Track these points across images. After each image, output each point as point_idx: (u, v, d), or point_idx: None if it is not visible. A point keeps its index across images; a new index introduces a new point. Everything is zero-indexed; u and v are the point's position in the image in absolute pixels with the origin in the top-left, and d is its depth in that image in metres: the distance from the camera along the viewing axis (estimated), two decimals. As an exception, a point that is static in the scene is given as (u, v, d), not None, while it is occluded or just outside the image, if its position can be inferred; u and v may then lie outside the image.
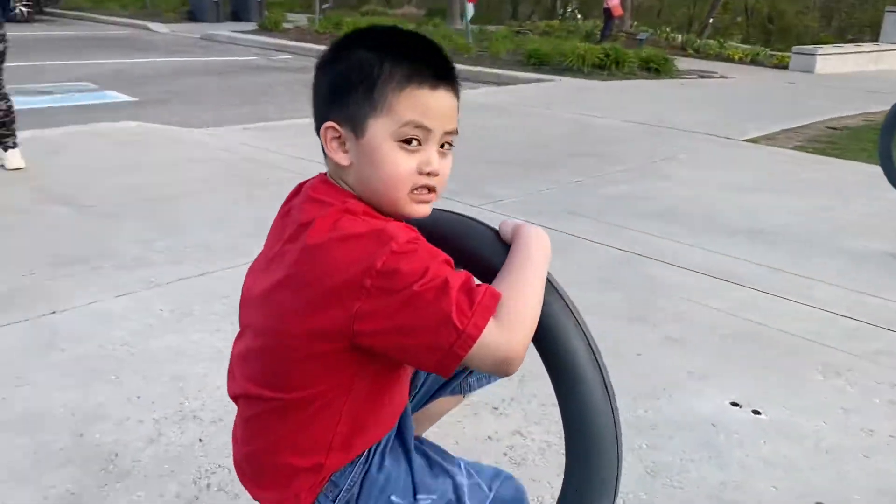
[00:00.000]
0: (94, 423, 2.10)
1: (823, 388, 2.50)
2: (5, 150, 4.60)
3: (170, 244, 3.49)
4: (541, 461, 2.04)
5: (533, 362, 1.10)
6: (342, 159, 1.07)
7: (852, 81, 13.01)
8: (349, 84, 1.05)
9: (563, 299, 1.06)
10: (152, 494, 1.83)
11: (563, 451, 1.11)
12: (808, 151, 6.74)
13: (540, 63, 12.36)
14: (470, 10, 14.48)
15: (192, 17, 19.04)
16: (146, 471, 1.91)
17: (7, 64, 4.61)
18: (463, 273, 1.00)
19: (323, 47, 2.14)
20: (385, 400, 1.15)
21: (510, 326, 0.98)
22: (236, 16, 19.34)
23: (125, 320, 2.71)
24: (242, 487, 1.22)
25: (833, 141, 7.34)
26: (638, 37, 17.52)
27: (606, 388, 1.04)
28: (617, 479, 1.07)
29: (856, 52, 16.02)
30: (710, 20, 24.77)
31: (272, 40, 14.73)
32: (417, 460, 1.20)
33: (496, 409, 2.27)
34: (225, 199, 4.23)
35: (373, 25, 1.12)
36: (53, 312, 2.74)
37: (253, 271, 1.17)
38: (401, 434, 1.23)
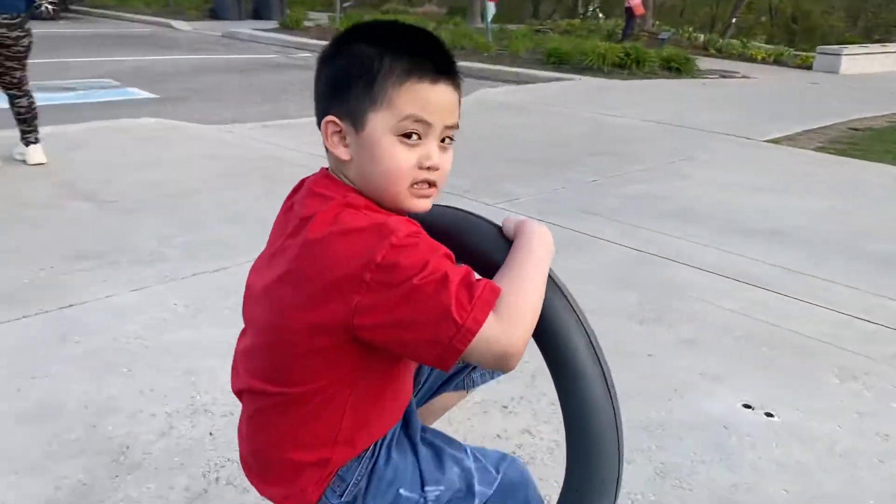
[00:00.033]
0: (107, 416, 2.12)
1: (839, 392, 2.47)
2: (27, 145, 4.66)
3: (187, 240, 3.52)
4: (549, 460, 2.03)
5: (543, 361, 1.10)
6: (343, 154, 1.07)
7: (878, 82, 12.83)
8: (349, 78, 1.05)
9: (565, 296, 1.05)
10: (162, 487, 1.84)
11: None
12: (829, 152, 6.65)
13: (560, 62, 12.31)
14: (491, 9, 14.46)
15: (214, 14, 19.19)
16: (157, 463, 1.93)
17: (32, 61, 4.67)
18: (463, 267, 1.00)
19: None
20: (388, 394, 1.16)
21: (510, 321, 0.97)
22: (258, 14, 19.46)
23: (140, 314, 2.74)
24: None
25: (855, 142, 7.25)
26: (660, 36, 17.40)
27: (608, 385, 1.03)
28: (618, 479, 1.06)
29: (882, 53, 15.79)
30: (734, 20, 24.53)
31: (293, 38, 14.80)
32: (424, 452, 1.21)
33: (505, 407, 2.27)
34: (244, 195, 4.25)
35: (374, 20, 1.12)
36: (70, 306, 2.78)
37: (256, 267, 1.18)
38: (407, 427, 1.23)
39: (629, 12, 16.98)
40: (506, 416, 2.24)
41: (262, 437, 1.15)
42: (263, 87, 9.16)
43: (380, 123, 1.04)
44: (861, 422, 2.29)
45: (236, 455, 1.31)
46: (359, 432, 1.13)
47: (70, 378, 2.30)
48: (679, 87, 11.09)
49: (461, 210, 1.19)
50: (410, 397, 1.26)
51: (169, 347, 2.52)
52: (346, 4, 20.09)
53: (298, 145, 5.57)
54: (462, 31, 15.14)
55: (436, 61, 1.05)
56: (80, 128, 5.76)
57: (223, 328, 2.63)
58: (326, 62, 1.09)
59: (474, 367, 1.44)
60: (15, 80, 4.53)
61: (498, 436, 2.14)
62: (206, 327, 2.66)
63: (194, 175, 4.70)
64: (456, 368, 1.40)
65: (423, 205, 1.09)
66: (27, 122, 4.64)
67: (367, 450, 1.15)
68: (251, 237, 3.51)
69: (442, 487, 1.18)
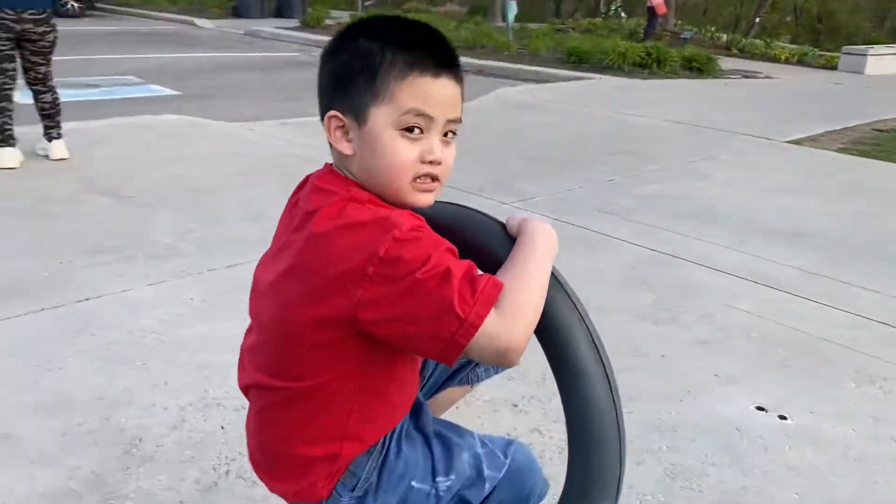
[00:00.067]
0: (121, 408, 2.14)
1: (855, 396, 2.44)
2: (50, 140, 4.71)
3: (205, 235, 3.55)
4: (559, 460, 2.02)
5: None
6: (345, 148, 1.08)
7: (904, 83, 12.66)
8: (352, 73, 1.05)
9: (568, 293, 1.05)
10: (173, 479, 1.86)
11: None
12: (852, 154, 6.57)
13: (580, 61, 12.26)
14: (513, 8, 14.42)
15: (237, 13, 19.32)
16: (168, 456, 1.95)
17: (57, 57, 4.73)
18: (466, 262, 1.00)
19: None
20: (395, 387, 1.16)
21: (512, 317, 0.97)
22: (280, 12, 19.57)
23: (156, 308, 2.77)
24: (260, 476, 1.23)
25: (879, 143, 7.15)
26: (682, 35, 17.28)
27: (610, 384, 1.03)
28: (619, 480, 1.06)
29: (909, 53, 15.58)
30: (757, 19, 24.27)
31: (315, 37, 14.86)
32: (434, 442, 1.21)
33: (516, 406, 2.27)
34: (263, 192, 4.27)
35: (376, 15, 1.13)
36: (87, 299, 2.81)
37: (262, 262, 1.19)
38: (416, 419, 1.24)
39: (651, 11, 16.88)
40: (516, 414, 2.23)
41: (269, 433, 1.16)
42: (285, 85, 9.21)
43: (382, 118, 1.04)
44: (876, 426, 2.27)
45: (246, 449, 1.32)
46: (367, 426, 1.13)
47: (85, 370, 2.33)
48: (700, 87, 11.00)
49: (464, 206, 1.19)
50: (417, 390, 1.27)
51: (184, 342, 2.55)
52: (367, 3, 20.17)
53: (319, 143, 5.58)
54: (482, 30, 15.13)
55: (437, 55, 1.06)
56: (102, 124, 5.82)
57: (238, 323, 2.62)
58: (329, 57, 1.10)
59: (478, 362, 1.44)
60: (40, 76, 4.60)
61: (508, 434, 2.13)
62: (221, 322, 2.68)
63: (214, 172, 4.74)
64: (460, 363, 1.40)
65: (425, 199, 1.09)
66: (51, 117, 4.70)
67: (377, 444, 1.15)
68: (268, 234, 3.49)
69: (453, 477, 1.19)
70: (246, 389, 1.22)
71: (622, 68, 11.75)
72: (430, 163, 1.06)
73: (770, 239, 3.97)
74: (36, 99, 4.67)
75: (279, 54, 12.52)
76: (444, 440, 1.22)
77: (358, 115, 1.05)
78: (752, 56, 16.38)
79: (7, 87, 4.44)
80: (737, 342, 2.77)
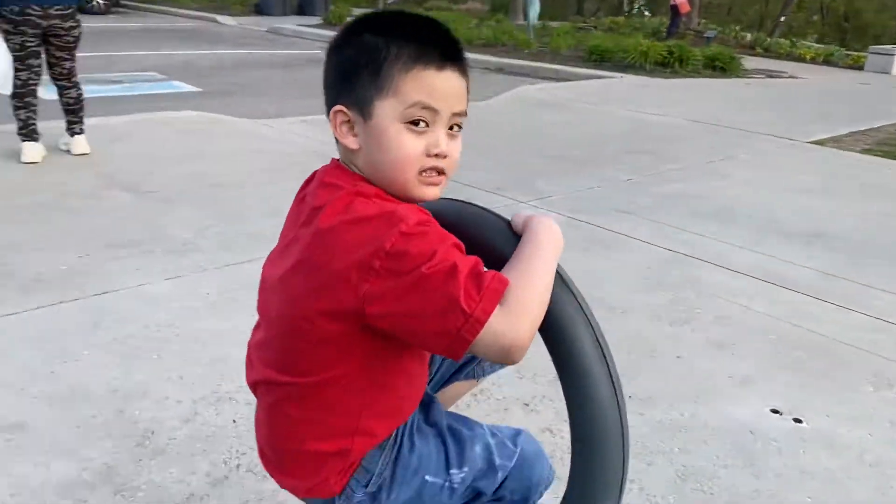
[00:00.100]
0: (135, 401, 2.16)
1: (872, 400, 2.41)
2: (72, 135, 4.77)
3: (223, 231, 3.57)
4: (569, 459, 2.01)
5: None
6: (351, 143, 1.08)
7: (931, 83, 12.46)
8: (357, 67, 1.05)
9: (572, 292, 1.04)
10: (184, 472, 1.88)
11: None
12: (876, 155, 6.48)
13: (601, 59, 12.21)
14: (535, 6, 14.36)
15: (259, 10, 19.43)
16: (180, 448, 1.96)
17: (81, 54, 4.79)
18: (472, 258, 0.99)
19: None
20: (403, 381, 1.16)
21: (516, 314, 0.97)
22: (302, 10, 19.66)
23: (172, 303, 2.79)
24: (270, 471, 1.24)
25: (905, 145, 7.05)
26: (705, 34, 17.13)
27: (614, 384, 1.02)
28: (622, 480, 1.05)
29: (937, 53, 15.32)
30: (783, 18, 24.02)
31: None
32: (446, 436, 1.21)
33: (527, 405, 2.26)
34: (282, 189, 4.26)
35: (381, 10, 1.13)
36: (105, 293, 2.84)
37: (271, 259, 1.19)
38: (427, 413, 1.24)
39: (674, 10, 16.77)
40: (527, 413, 2.23)
41: (279, 429, 1.16)
42: (306, 83, 9.24)
43: (387, 111, 1.04)
44: (893, 431, 2.24)
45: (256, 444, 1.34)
46: (377, 421, 1.13)
47: (101, 363, 2.35)
48: (722, 86, 10.90)
49: (470, 203, 1.19)
50: (426, 384, 1.27)
51: (198, 336, 2.56)
52: (389, 1, 20.18)
53: (337, 140, 5.60)
54: (503, 28, 15.09)
55: (442, 48, 1.05)
56: (123, 120, 5.88)
57: (253, 318, 2.65)
58: (334, 52, 1.10)
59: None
60: (65, 71, 4.65)
61: (518, 433, 2.13)
62: (236, 317, 2.70)
63: (234, 168, 4.77)
64: (467, 358, 1.40)
65: (431, 192, 1.09)
66: (75, 112, 4.75)
67: (389, 439, 1.16)
68: (284, 230, 3.54)
69: (466, 469, 1.19)
70: (254, 386, 1.22)
71: (644, 67, 11.68)
72: (436, 156, 1.06)
73: (789, 240, 3.93)
74: (60, 94, 4.72)
75: (301, 52, 12.57)
76: (456, 433, 1.22)
77: (363, 109, 1.05)
78: (777, 55, 16.22)
79: (32, 82, 4.50)
80: (753, 344, 2.74)
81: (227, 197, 4.14)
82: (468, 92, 1.10)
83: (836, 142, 6.94)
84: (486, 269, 1.01)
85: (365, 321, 1.00)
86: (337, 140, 1.11)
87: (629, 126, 7.09)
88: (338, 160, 1.14)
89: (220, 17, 17.59)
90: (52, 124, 4.89)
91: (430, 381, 1.43)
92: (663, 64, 11.89)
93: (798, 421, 2.25)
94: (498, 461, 1.22)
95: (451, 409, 1.55)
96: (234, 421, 2.09)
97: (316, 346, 1.06)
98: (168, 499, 1.79)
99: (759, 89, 10.77)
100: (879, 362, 2.64)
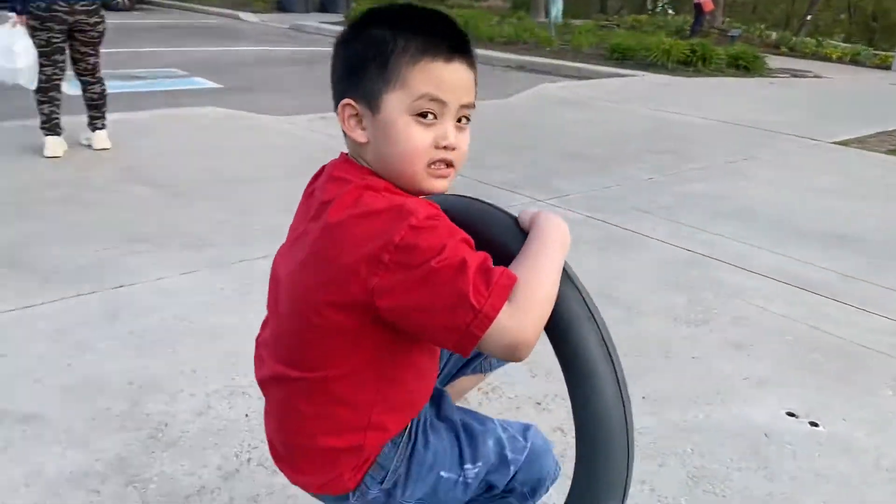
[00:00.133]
0: (149, 393, 2.18)
1: (891, 404, 2.37)
2: (94, 130, 4.82)
3: (239, 226, 3.59)
4: (580, 459, 2.00)
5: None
6: (360, 136, 1.08)
7: (960, 84, 12.24)
8: (364, 60, 1.05)
9: (578, 290, 1.03)
10: (195, 465, 1.89)
11: None
12: (901, 156, 6.39)
13: (623, 58, 12.12)
14: (558, 4, 14.28)
15: (281, 7, 19.50)
16: (192, 441, 1.98)
17: (105, 50, 4.83)
18: (481, 254, 0.99)
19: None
20: (413, 375, 1.16)
21: (523, 311, 0.96)
22: (324, 7, 19.71)
23: (188, 297, 2.81)
24: (281, 465, 1.24)
25: (931, 146, 6.94)
26: (730, 33, 16.95)
27: (619, 384, 1.01)
28: (626, 481, 1.04)
29: (967, 53, 15.07)
30: (809, 17, 23.73)
31: (357, 31, 14.92)
32: (459, 431, 1.22)
33: (539, 403, 2.25)
34: (299, 185, 4.19)
35: (389, 4, 1.12)
36: (121, 286, 2.87)
37: (280, 254, 1.19)
38: (439, 408, 1.24)
39: (698, 8, 16.62)
40: (539, 412, 2.22)
41: (290, 425, 1.16)
42: (326, 80, 8.96)
43: (395, 104, 1.04)
44: (912, 436, 2.20)
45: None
46: (389, 415, 1.13)
47: (116, 356, 2.38)
48: (746, 85, 10.79)
49: (477, 199, 1.18)
50: (436, 377, 1.27)
51: (213, 330, 2.58)
52: (411, -2, 20.16)
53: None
54: (525, 26, 15.03)
55: (450, 40, 1.05)
56: (144, 115, 5.93)
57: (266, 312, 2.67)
58: (342, 46, 1.10)
59: None
60: (89, 67, 4.70)
61: (530, 432, 2.12)
62: (250, 312, 2.70)
63: (252, 164, 4.80)
64: (474, 352, 1.40)
65: (440, 185, 1.09)
66: (97, 108, 4.80)
67: (403, 435, 1.16)
68: (300, 225, 3.55)
69: (480, 464, 1.20)
70: (264, 382, 1.22)
71: (666, 66, 11.58)
72: (445, 148, 1.06)
73: (810, 241, 3.88)
74: (84, 90, 4.77)
75: (322, 49, 12.57)
76: (468, 428, 1.23)
77: (371, 102, 1.06)
78: (802, 55, 16.03)
79: (57, 77, 4.55)
80: (770, 346, 2.71)
81: (245, 192, 4.16)
82: (476, 84, 1.09)
83: (861, 142, 6.84)
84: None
85: (374, 314, 1.00)
86: (345, 134, 1.11)
87: (650, 125, 7.04)
88: (346, 154, 1.14)
89: (242, 14, 17.68)
90: (73, 119, 4.94)
91: (438, 375, 1.43)
92: (686, 63, 11.78)
93: (814, 424, 2.22)
94: (510, 455, 1.23)
95: (458, 403, 1.55)
96: (247, 415, 2.10)
97: (326, 340, 1.06)
98: (179, 491, 1.80)
99: (783, 89, 10.64)
100: (900, 366, 2.60)
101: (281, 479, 1.78)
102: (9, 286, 2.81)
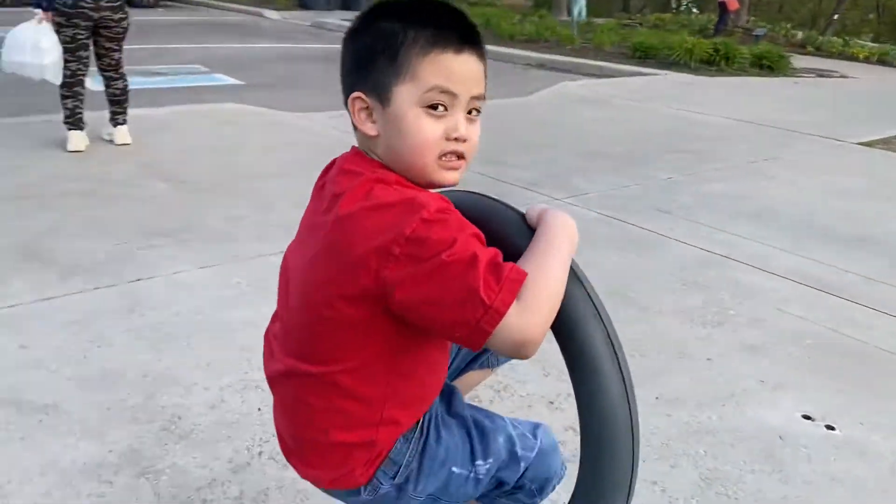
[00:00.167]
0: (163, 386, 2.20)
1: (910, 409, 2.34)
2: (115, 126, 4.87)
3: (256, 221, 3.62)
4: (591, 458, 1.99)
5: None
6: (370, 129, 1.08)
7: None
8: (373, 53, 1.05)
9: (586, 288, 1.02)
10: (207, 457, 1.90)
11: None
12: (928, 157, 6.28)
13: (645, 56, 12.03)
14: (581, 2, 14.20)
15: (304, 4, 19.57)
16: (204, 434, 1.99)
17: (128, 46, 4.88)
18: (491, 249, 0.98)
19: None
20: (424, 369, 1.15)
21: (531, 308, 0.95)
22: (346, 4, 19.74)
23: (204, 291, 2.83)
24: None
25: (959, 147, 6.81)
26: (754, 32, 16.76)
27: (625, 383, 1.00)
28: (631, 481, 1.03)
29: None
30: (836, 16, 23.42)
31: (379, 29, 14.93)
32: (470, 427, 1.22)
33: (552, 402, 2.24)
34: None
35: None
36: (139, 280, 2.90)
37: (291, 248, 1.19)
38: (449, 403, 1.24)
39: (722, 7, 16.45)
40: (552, 411, 2.21)
41: (301, 419, 1.15)
42: None
43: (405, 96, 1.04)
44: (931, 441, 2.16)
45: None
46: (400, 410, 1.13)
47: (132, 348, 2.40)
48: (770, 85, 10.67)
49: (485, 195, 1.18)
50: (447, 371, 1.27)
51: (228, 324, 2.60)
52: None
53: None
54: (546, 24, 14.97)
55: (459, 32, 1.05)
56: (165, 111, 5.98)
57: (281, 308, 2.69)
58: (351, 39, 1.10)
59: None
60: (113, 63, 4.74)
61: (541, 430, 2.11)
62: (265, 306, 2.70)
63: (271, 160, 4.82)
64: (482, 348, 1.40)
65: (451, 177, 1.08)
66: (119, 103, 4.85)
67: (415, 430, 1.15)
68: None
69: (491, 460, 1.20)
70: (274, 376, 1.22)
71: (688, 65, 11.48)
72: (456, 140, 1.05)
73: (831, 243, 3.83)
74: (107, 85, 4.82)
75: (343, 46, 12.63)
76: (479, 424, 1.23)
77: (381, 95, 1.05)
78: (828, 54, 15.81)
79: (81, 73, 4.61)
80: (787, 348, 2.68)
81: (264, 188, 4.18)
82: (486, 76, 1.09)
83: (886, 143, 6.74)
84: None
85: (385, 307, 1.00)
86: (355, 127, 1.11)
87: (671, 124, 6.98)
88: (357, 147, 1.14)
89: (264, 12, 17.76)
90: (95, 114, 5.00)
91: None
92: (709, 62, 11.67)
93: (830, 428, 2.20)
94: (521, 452, 1.23)
95: (469, 401, 1.55)
96: (259, 409, 2.12)
97: (336, 333, 1.06)
98: (191, 483, 1.82)
99: (808, 89, 10.51)
100: (920, 370, 2.56)
101: (291, 473, 1.79)
102: (29, 278, 2.85)
